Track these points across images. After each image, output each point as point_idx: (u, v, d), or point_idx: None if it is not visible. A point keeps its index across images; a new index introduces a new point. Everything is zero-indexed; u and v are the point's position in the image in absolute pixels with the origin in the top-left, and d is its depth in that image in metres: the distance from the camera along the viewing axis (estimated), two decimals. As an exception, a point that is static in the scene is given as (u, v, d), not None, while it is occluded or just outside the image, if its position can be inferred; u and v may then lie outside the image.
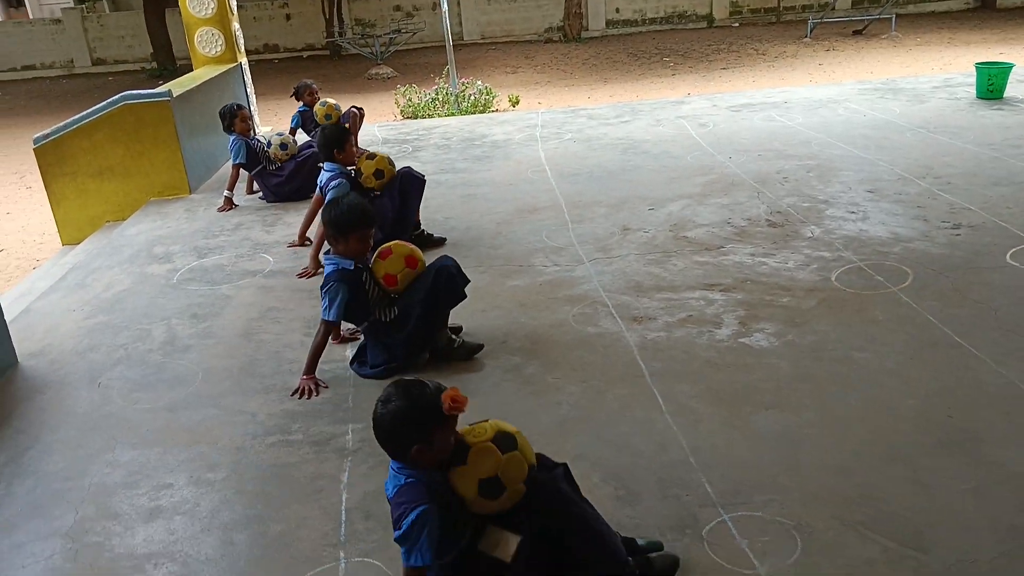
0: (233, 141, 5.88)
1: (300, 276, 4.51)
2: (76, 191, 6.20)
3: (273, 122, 11.91)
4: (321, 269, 4.68)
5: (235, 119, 5.87)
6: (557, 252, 4.58)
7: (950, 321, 3.42)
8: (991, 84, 7.29)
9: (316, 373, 3.34)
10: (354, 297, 3.30)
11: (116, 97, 6.20)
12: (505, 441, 2.01)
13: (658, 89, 13.04)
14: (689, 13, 19.03)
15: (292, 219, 5.55)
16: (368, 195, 4.52)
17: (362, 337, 3.62)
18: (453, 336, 3.49)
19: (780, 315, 3.61)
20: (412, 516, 1.92)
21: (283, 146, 5.97)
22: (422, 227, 4.87)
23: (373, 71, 15.50)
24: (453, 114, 10.33)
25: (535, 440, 2.19)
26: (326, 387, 3.32)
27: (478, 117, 8.88)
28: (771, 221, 4.76)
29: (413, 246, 3.52)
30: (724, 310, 3.72)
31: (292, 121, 6.96)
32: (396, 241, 3.53)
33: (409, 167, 4.84)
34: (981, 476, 2.48)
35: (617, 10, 18.86)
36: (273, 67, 17.74)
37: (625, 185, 5.70)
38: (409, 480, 1.98)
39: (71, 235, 6.20)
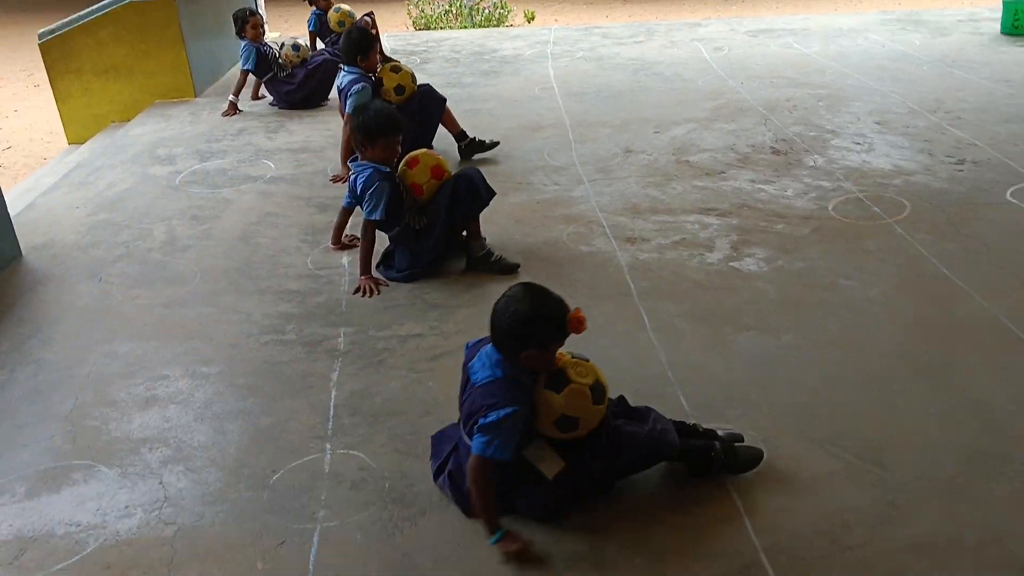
0: (244, 46, 5.82)
1: (334, 181, 4.51)
2: (81, 89, 6.17)
3: (283, 28, 11.71)
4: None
5: (246, 24, 5.79)
6: (557, 171, 4.58)
7: (941, 254, 3.44)
8: (1016, 20, 7.08)
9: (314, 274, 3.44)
10: (392, 200, 3.33)
11: (121, -6, 6.11)
12: (598, 393, 2.11)
13: (679, 11, 12.70)
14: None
15: (295, 127, 5.54)
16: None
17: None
18: (492, 251, 3.51)
19: (773, 241, 3.64)
20: (504, 412, 1.99)
21: (295, 47, 5.90)
22: (470, 135, 4.76)
23: (387, -20, 15.09)
24: (466, 27, 10.12)
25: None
26: (387, 285, 3.39)
27: (489, 31, 8.70)
28: (775, 149, 4.73)
29: (440, 156, 3.54)
30: (718, 234, 3.74)
31: (309, 23, 6.87)
32: (423, 150, 3.54)
33: (430, 85, 4.76)
34: (949, 402, 2.55)
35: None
36: (285, -28, 17.26)
37: (632, 106, 5.63)
38: (507, 376, 2.06)
39: (76, 134, 6.21)
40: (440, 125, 4.73)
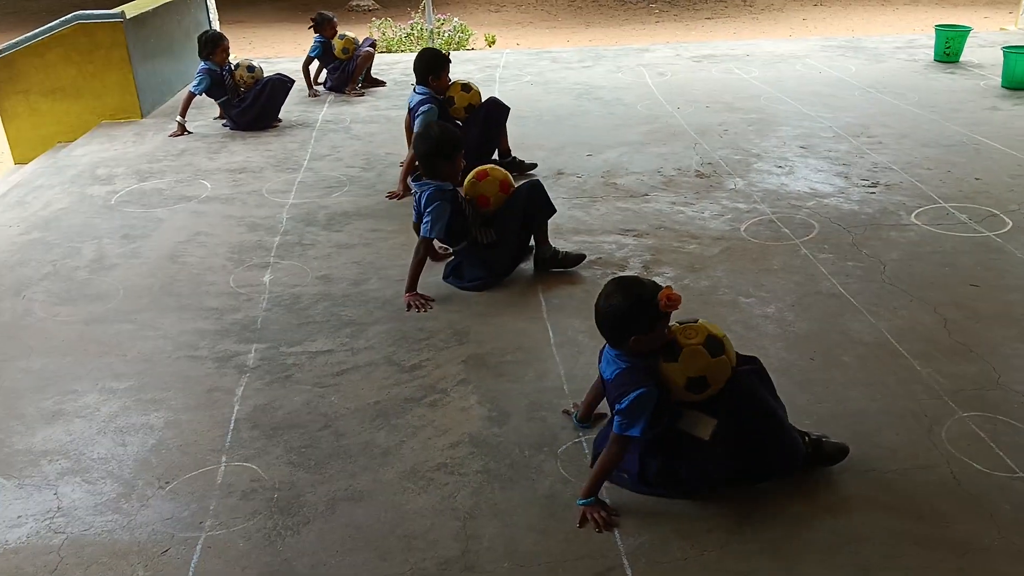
0: (201, 69, 5.86)
1: (389, 197, 4.65)
2: (28, 110, 6.23)
3: (246, 51, 11.82)
4: (410, 192, 4.64)
5: (217, 48, 5.86)
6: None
7: (839, 273, 3.58)
8: (948, 47, 7.35)
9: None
10: (454, 217, 3.49)
11: (69, 16, 6.18)
12: (714, 346, 2.21)
13: (639, 37, 12.95)
14: (681, -41, 18.70)
15: (237, 147, 5.64)
16: (453, 122, 4.63)
17: (454, 256, 3.74)
18: (558, 250, 3.72)
19: (683, 260, 3.77)
20: (634, 395, 2.16)
21: (250, 68, 6.00)
22: (512, 154, 5.01)
23: (354, 2, 15.30)
24: (425, 51, 10.27)
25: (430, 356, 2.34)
26: (433, 301, 3.49)
27: (444, 55, 8.84)
28: (700, 172, 4.88)
29: (506, 172, 3.71)
30: (632, 254, 3.87)
31: (312, 50, 6.99)
32: (491, 165, 3.71)
33: (496, 97, 4.93)
34: (821, 412, 2.66)
35: (608, -47, 18.49)
36: (253, -6, 17.42)
37: (570, 130, 5.78)
38: (628, 365, 2.24)
39: (23, 154, 6.25)
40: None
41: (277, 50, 12.71)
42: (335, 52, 6.86)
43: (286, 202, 4.67)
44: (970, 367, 2.87)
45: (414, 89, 4.71)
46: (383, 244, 4.07)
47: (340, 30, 6.94)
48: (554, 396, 2.83)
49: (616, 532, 2.23)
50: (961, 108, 5.94)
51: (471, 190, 3.59)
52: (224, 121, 6.16)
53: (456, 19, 11.18)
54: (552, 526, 2.26)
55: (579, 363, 3.01)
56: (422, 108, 4.54)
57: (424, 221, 3.45)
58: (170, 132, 5.96)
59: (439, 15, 11.13)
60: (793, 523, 2.23)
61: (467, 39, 11.02)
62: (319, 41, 6.89)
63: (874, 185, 4.58)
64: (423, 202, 3.47)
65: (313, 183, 4.95)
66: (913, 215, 4.16)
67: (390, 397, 2.87)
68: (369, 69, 7.15)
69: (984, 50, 7.65)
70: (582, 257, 3.72)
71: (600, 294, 2.26)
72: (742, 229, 4.08)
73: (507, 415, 2.74)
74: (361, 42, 6.97)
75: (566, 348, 3.12)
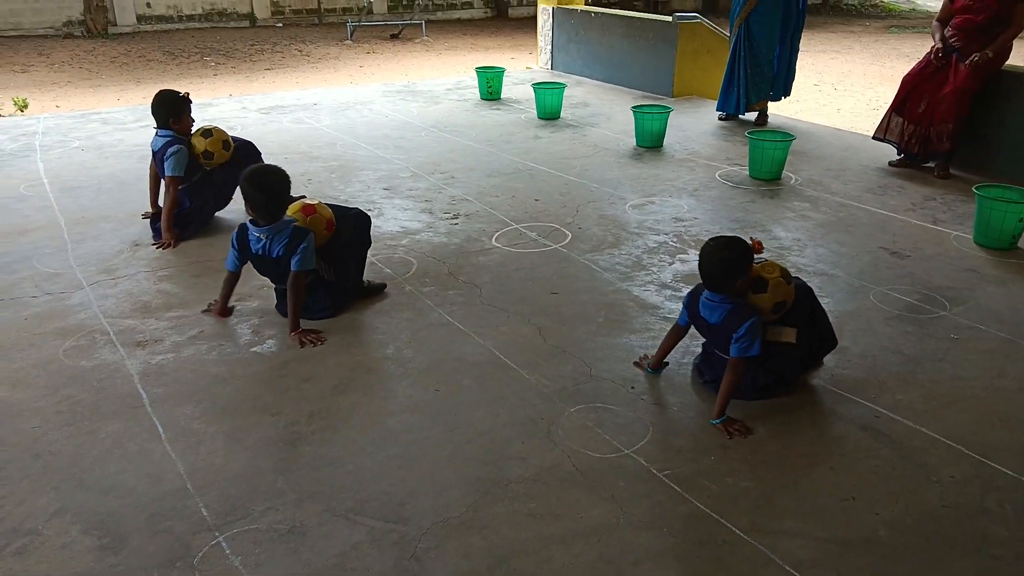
0: None
1: (160, 248, 4.41)
2: None
3: None
4: (179, 240, 4.46)
5: None
6: (50, 279, 4.02)
7: (444, 303, 3.77)
8: (490, 87, 8.30)
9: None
10: None
11: None
12: (787, 276, 2.92)
13: (199, 90, 12.34)
14: (230, 11, 18.39)
15: None
16: (201, 164, 4.51)
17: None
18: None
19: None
20: (749, 323, 2.75)
21: None
22: None
23: None
24: (-68, 122, 8.51)
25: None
26: (322, 333, 3.46)
27: (-41, 125, 7.43)
28: (292, 223, 4.78)
29: (330, 209, 3.68)
30: (238, 320, 3.62)
31: None
32: (319, 202, 3.67)
33: (249, 141, 4.85)
34: (456, 439, 2.76)
35: (148, 4, 17.41)
36: None
37: (139, 196, 5.23)
38: (732, 306, 2.81)
39: None
40: None
41: None
42: None
43: None
44: (566, 366, 3.22)
45: (156, 133, 4.52)
46: (-89, 365, 3.23)
47: None
48: (178, 500, 2.49)
49: (279, 630, 2.03)
50: (511, 139, 6.73)
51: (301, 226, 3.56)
52: None
53: (-30, 82, 9.50)
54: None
55: (200, 453, 2.70)
56: (171, 150, 4.40)
57: (296, 258, 3.40)
58: None
59: (-55, 78, 9.35)
60: (457, 560, 2.24)
61: (-11, 105, 9.43)
62: None
63: (456, 216, 4.94)
64: (284, 242, 3.41)
65: None
66: (493, 239, 4.57)
67: (-44, 559, 2.25)
68: None
69: (518, 87, 8.79)
70: (383, 286, 3.89)
71: (704, 253, 2.82)
72: (346, 276, 4.07)
73: (123, 538, 2.34)
74: None
75: (181, 441, 2.77)
